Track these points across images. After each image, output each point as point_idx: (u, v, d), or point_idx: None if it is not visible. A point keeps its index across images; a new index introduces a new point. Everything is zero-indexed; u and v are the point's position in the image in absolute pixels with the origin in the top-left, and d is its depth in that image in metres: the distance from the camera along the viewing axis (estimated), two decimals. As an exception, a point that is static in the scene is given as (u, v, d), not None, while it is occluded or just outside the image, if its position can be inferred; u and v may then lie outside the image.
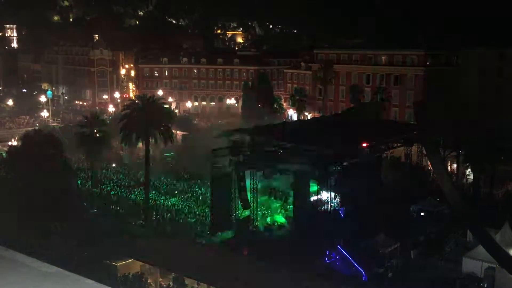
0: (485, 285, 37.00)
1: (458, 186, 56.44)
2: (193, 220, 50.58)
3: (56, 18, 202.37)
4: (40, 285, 6.60)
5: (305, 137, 45.18)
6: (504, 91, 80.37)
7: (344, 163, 41.59)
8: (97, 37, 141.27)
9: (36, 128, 66.07)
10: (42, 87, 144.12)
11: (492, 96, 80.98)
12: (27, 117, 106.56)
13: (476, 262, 38.03)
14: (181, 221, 50.26)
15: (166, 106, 62.33)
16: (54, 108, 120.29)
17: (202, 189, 58.85)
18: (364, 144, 43.77)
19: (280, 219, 48.50)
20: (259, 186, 46.69)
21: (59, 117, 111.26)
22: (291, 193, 46.42)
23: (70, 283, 6.56)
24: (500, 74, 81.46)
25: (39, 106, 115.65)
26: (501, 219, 41.10)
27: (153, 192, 56.91)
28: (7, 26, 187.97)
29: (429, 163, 52.70)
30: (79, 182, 59.24)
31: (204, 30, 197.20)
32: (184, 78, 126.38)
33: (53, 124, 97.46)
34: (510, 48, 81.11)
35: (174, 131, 60.09)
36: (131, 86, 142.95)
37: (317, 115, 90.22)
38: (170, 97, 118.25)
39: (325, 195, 41.60)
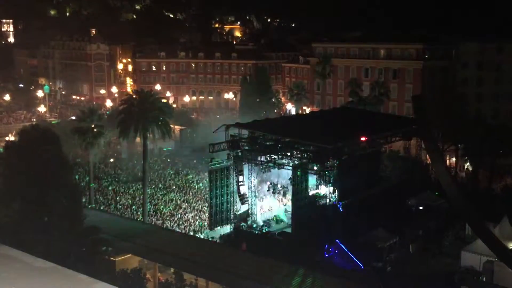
0: (484, 279, 37.00)
1: (457, 180, 56.42)
2: (191, 215, 50.52)
3: (52, 12, 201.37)
4: (33, 280, 6.45)
5: (303, 131, 45.00)
6: (502, 84, 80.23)
7: (343, 157, 41.43)
8: (94, 31, 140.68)
9: (33, 123, 65.61)
10: (39, 82, 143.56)
11: (490, 89, 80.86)
12: (24, 112, 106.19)
13: (475, 256, 38.03)
14: (179, 216, 50.19)
15: (164, 100, 62.02)
16: (51, 103, 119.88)
17: (200, 184, 58.77)
18: (363, 138, 43.58)
19: (279, 213, 48.41)
20: (257, 180, 46.56)
21: (56, 112, 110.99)
22: (290, 187, 46.29)
23: (64, 278, 6.41)
24: (498, 68, 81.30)
25: (36, 101, 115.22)
26: (500, 213, 41.08)
27: (152, 187, 56.78)
28: (4, 20, 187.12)
29: (427, 157, 52.58)
30: (77, 177, 59.06)
31: (201, 24, 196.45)
32: (182, 73, 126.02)
33: (50, 119, 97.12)
34: (508, 41, 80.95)
35: (172, 126, 59.86)
36: (129, 80, 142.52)
37: (315, 109, 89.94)
38: (167, 92, 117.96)
39: (323, 189, 41.46)
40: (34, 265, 7.18)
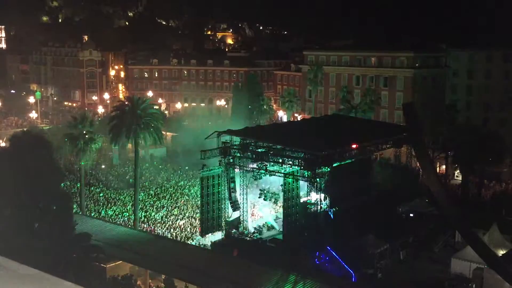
0: (474, 286, 37.24)
1: (447, 188, 56.78)
2: (182, 221, 50.48)
3: (45, 18, 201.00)
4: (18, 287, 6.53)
5: (294, 139, 45.19)
6: (492, 92, 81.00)
7: (334, 164, 41.63)
8: (86, 37, 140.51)
9: (25, 129, 65.46)
10: (31, 88, 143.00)
11: (480, 97, 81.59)
12: (16, 118, 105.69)
13: (464, 263, 38.28)
14: (170, 222, 50.13)
15: (156, 107, 62.09)
16: (43, 109, 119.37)
17: (192, 191, 58.74)
18: (354, 145, 43.84)
19: (270, 220, 48.50)
20: (248, 187, 46.64)
21: (48, 118, 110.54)
22: (281, 194, 46.43)
23: (49, 285, 6.43)
24: (488, 76, 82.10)
25: (28, 107, 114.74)
26: (489, 220, 41.40)
27: (142, 193, 56.67)
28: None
29: (418, 164, 52.93)
30: (68, 183, 58.87)
31: (194, 31, 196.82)
32: (174, 79, 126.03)
33: (42, 125, 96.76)
34: (498, 49, 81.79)
35: (164, 132, 59.90)
36: (121, 87, 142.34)
37: (307, 116, 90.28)
38: (160, 98, 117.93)
39: (314, 196, 41.61)
40: (18, 272, 7.19)
